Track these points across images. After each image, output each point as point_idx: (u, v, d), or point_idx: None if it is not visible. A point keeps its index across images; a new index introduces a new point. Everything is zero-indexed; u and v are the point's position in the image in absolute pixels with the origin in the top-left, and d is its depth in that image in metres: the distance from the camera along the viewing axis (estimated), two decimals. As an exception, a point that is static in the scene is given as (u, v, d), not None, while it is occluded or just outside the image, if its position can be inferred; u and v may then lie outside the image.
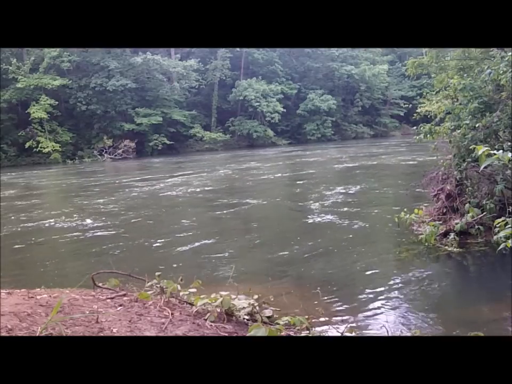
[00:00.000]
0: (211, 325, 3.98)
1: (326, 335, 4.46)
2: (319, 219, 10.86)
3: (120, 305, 4.13)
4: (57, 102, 42.73)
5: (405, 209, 7.92)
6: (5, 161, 40.10)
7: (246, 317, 4.44)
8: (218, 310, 4.25)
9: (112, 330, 3.37)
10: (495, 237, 5.38)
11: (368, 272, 6.85)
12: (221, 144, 48.72)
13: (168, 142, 45.38)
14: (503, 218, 3.78)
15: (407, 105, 53.26)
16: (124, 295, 4.55)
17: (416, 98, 47.42)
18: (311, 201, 13.22)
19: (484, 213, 7.27)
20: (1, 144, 40.95)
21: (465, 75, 9.35)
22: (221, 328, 3.96)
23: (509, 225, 3.49)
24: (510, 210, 6.80)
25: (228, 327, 4.06)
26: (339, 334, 4.18)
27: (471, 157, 7.41)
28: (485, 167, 3.52)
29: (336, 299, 5.81)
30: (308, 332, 4.25)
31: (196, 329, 3.79)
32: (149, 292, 4.63)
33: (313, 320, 4.77)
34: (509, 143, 7.32)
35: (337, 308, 5.51)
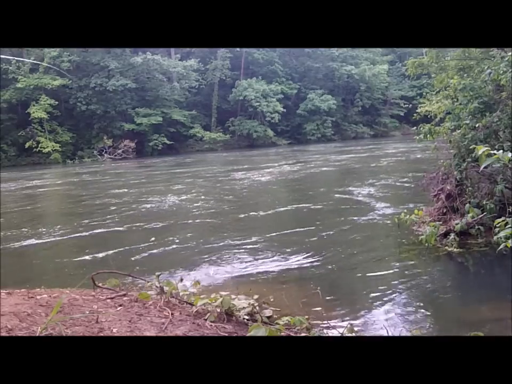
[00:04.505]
0: (211, 325, 3.98)
1: (326, 335, 4.46)
2: (318, 219, 10.86)
3: (120, 305, 4.13)
4: (57, 102, 42.74)
5: (405, 210, 7.91)
6: (5, 161, 40.15)
7: (246, 317, 4.43)
8: (218, 310, 4.25)
9: (112, 330, 3.37)
10: (495, 237, 5.38)
11: (368, 272, 6.85)
12: (220, 144, 48.73)
13: (168, 142, 45.41)
14: (503, 218, 3.78)
15: (407, 105, 53.29)
16: (124, 295, 4.55)
17: (416, 98, 47.44)
18: (312, 202, 13.23)
19: (484, 213, 7.27)
20: (1, 144, 40.98)
21: (465, 75, 9.34)
22: (221, 328, 3.95)
23: (509, 225, 3.49)
24: (510, 210, 6.80)
25: (228, 327, 4.06)
26: (339, 334, 4.17)
27: (471, 157, 7.41)
28: (485, 167, 3.52)
29: (336, 299, 5.82)
30: (307, 332, 4.25)
31: (196, 329, 3.79)
32: (149, 292, 4.63)
33: (313, 320, 4.77)
34: (509, 143, 7.32)
35: (337, 308, 5.51)
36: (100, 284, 4.86)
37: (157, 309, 4.15)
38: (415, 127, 9.63)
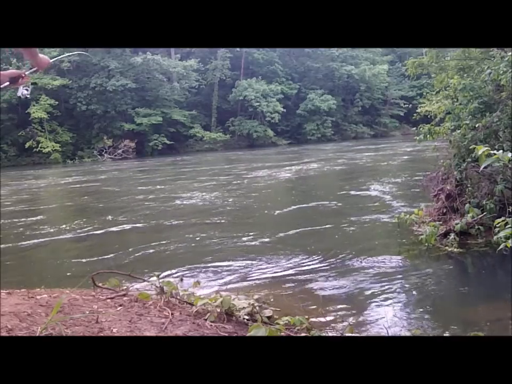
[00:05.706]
0: (211, 325, 3.97)
1: (326, 335, 4.46)
2: (322, 219, 10.86)
3: (120, 305, 4.13)
4: (57, 102, 42.75)
5: (411, 209, 7.91)
6: (5, 161, 40.19)
7: (246, 317, 4.43)
8: (218, 310, 4.25)
9: (112, 330, 3.37)
10: (495, 237, 5.38)
11: (368, 272, 6.85)
12: (220, 144, 48.74)
13: (168, 142, 45.44)
14: (503, 218, 3.78)
15: (407, 105, 53.33)
16: (124, 295, 4.55)
17: (416, 98, 47.47)
18: (317, 201, 13.24)
19: (484, 213, 7.27)
20: (1, 144, 41.00)
21: (465, 75, 9.34)
22: (221, 328, 3.95)
23: (509, 225, 3.49)
24: (510, 210, 6.80)
25: (228, 327, 4.06)
26: (339, 334, 4.17)
27: (471, 157, 7.41)
28: (485, 167, 3.52)
29: (336, 299, 5.82)
30: (307, 332, 4.25)
31: (196, 329, 3.78)
32: (149, 292, 4.63)
33: (313, 320, 4.77)
34: (509, 143, 7.32)
35: (337, 308, 5.51)
36: (100, 284, 4.86)
37: (157, 309, 4.15)
38: (415, 127, 9.63)
